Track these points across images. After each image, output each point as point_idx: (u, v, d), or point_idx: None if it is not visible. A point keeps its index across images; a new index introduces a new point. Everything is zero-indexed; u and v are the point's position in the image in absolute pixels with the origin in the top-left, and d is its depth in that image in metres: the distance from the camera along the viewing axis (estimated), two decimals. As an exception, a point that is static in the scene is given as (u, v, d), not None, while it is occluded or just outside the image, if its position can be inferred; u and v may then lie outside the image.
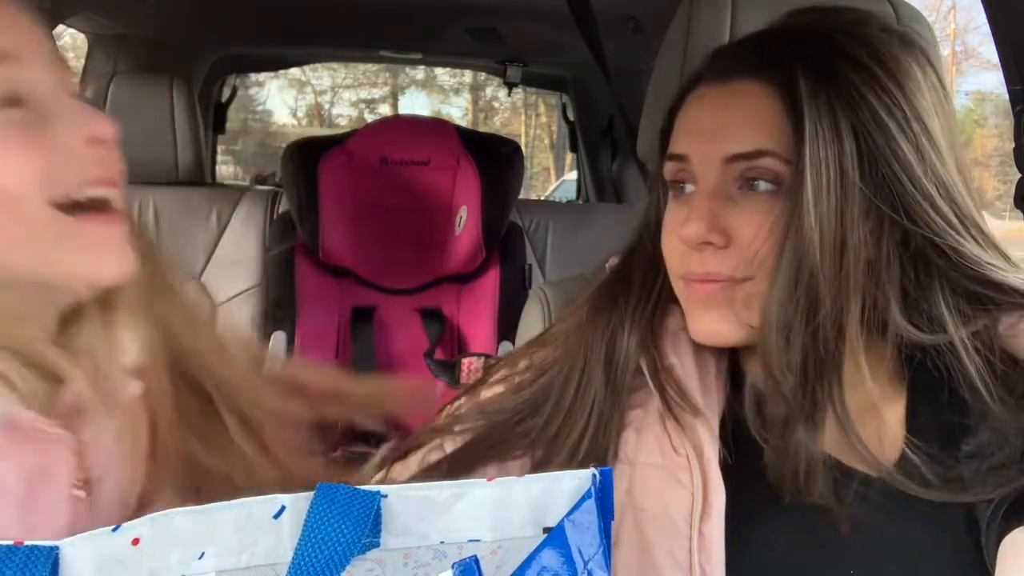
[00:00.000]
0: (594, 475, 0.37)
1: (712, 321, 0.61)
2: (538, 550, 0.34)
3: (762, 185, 0.58)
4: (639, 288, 0.66)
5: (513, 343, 1.01)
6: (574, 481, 0.37)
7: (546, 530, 0.37)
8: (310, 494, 0.35)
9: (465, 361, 1.79)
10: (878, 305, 0.58)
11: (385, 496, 0.36)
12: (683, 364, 0.63)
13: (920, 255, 0.58)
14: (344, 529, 0.34)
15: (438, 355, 1.90)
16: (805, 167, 0.55)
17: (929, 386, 0.61)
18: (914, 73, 0.58)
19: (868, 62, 0.57)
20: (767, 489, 0.60)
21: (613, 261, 0.71)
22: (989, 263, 0.59)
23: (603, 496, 0.37)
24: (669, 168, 0.64)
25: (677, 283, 0.63)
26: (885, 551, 0.58)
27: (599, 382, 0.63)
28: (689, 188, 0.62)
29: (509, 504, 0.37)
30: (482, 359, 1.79)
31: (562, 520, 0.35)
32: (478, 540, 0.37)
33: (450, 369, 1.80)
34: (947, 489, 0.57)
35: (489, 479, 0.38)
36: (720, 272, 0.59)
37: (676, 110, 0.66)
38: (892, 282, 0.58)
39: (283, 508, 0.35)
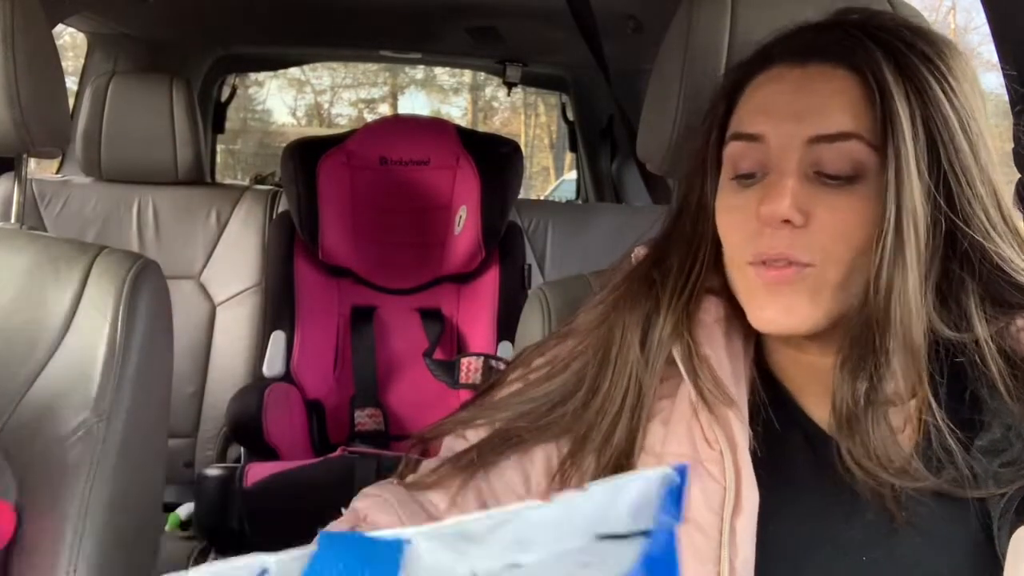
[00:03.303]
0: (673, 473, 0.30)
1: (781, 309, 0.58)
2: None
3: (833, 180, 0.57)
4: (676, 274, 0.65)
5: (512, 343, 1.01)
6: (639, 483, 0.31)
7: (601, 537, 0.30)
8: (302, 552, 0.26)
9: (464, 361, 1.79)
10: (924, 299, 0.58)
11: (409, 542, 0.25)
12: (716, 355, 0.62)
13: (964, 254, 0.58)
14: None
15: (437, 355, 1.90)
16: (906, 153, 0.55)
17: (949, 381, 0.61)
18: (970, 75, 0.58)
19: (936, 59, 0.57)
20: (792, 483, 0.60)
21: (639, 251, 0.70)
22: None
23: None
24: (736, 149, 0.61)
25: (741, 268, 0.61)
26: (902, 543, 0.58)
27: (634, 369, 0.62)
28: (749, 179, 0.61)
29: (567, 521, 0.30)
30: (481, 359, 1.78)
31: (665, 519, 0.28)
32: (518, 565, 0.28)
33: (449, 369, 1.80)
34: (960, 483, 0.57)
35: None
36: (793, 254, 0.57)
37: (741, 87, 0.63)
38: (932, 277, 0.59)
39: (264, 572, 0.24)
